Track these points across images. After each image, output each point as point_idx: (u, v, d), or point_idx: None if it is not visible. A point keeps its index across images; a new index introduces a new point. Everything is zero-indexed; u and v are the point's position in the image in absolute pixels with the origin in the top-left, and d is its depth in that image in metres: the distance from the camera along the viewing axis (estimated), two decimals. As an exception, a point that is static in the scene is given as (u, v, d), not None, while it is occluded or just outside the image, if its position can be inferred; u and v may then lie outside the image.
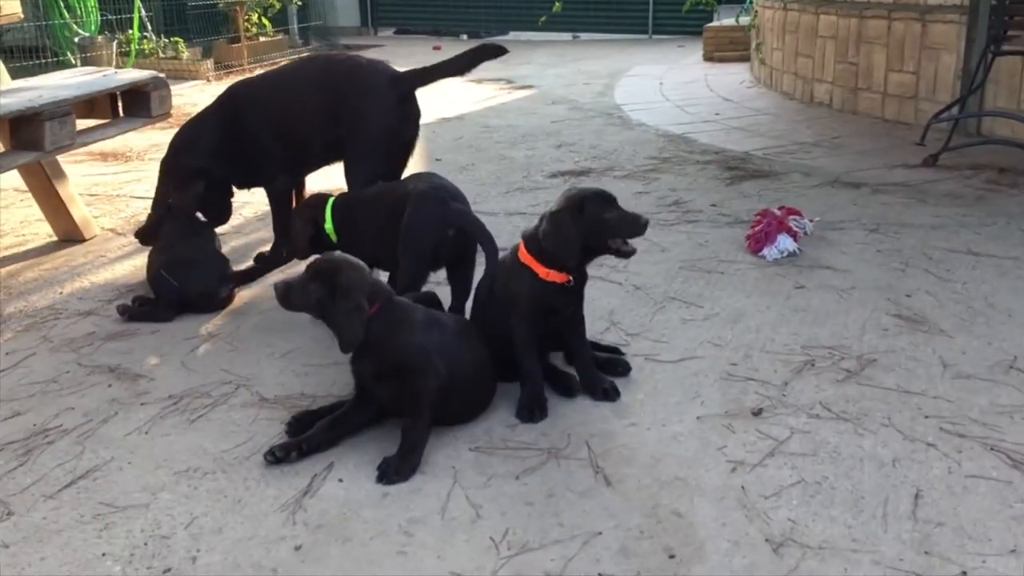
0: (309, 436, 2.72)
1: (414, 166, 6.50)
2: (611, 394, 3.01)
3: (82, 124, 4.61)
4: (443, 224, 3.27)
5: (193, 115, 4.13)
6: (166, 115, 4.64)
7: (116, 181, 6.05)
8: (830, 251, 4.34)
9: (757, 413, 2.93)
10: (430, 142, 7.34)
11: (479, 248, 3.30)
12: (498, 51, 3.98)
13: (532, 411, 2.92)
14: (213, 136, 3.96)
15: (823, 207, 5.02)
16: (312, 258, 2.92)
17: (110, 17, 10.69)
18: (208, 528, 2.42)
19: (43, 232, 4.88)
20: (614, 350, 3.32)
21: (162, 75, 4.59)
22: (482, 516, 2.45)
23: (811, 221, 4.56)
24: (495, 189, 5.69)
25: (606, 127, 7.79)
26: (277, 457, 2.66)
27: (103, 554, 2.32)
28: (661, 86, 10.06)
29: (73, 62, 10.13)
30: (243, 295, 3.99)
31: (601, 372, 3.12)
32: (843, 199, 5.20)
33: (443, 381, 2.69)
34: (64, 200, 4.70)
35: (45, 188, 4.68)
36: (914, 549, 2.29)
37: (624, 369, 3.20)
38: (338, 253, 2.83)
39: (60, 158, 4.49)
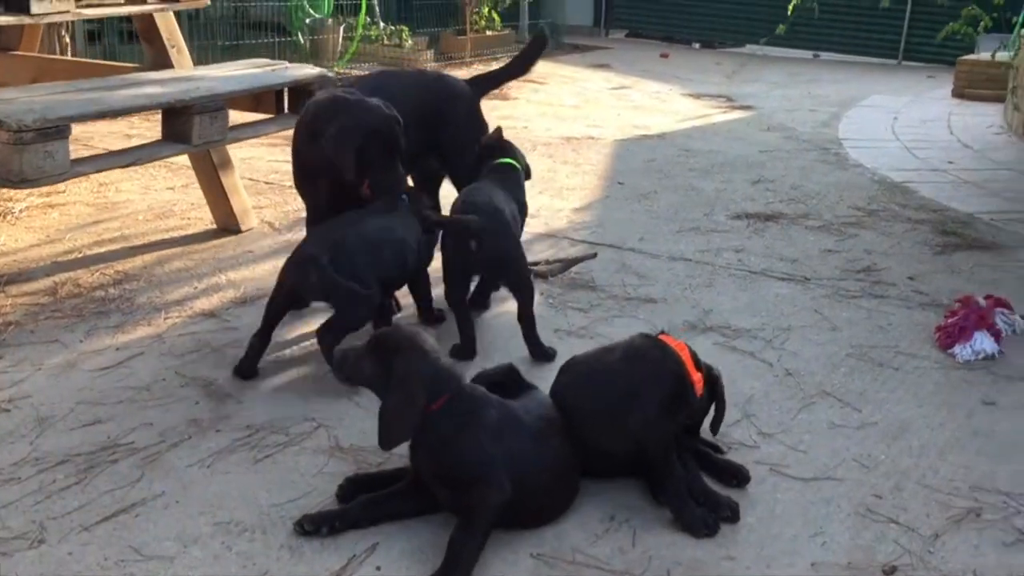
0: (345, 512, 2.45)
1: (595, 183, 6.21)
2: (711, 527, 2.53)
3: (249, 117, 4.61)
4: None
5: None
6: (332, 116, 4.51)
7: (296, 170, 6.07)
8: (1039, 360, 3.62)
9: (889, 573, 2.39)
10: (620, 160, 6.96)
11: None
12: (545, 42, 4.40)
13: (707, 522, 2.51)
14: None
15: (1045, 299, 4.25)
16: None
17: (342, 2, 10.96)
18: (221, 601, 2.21)
19: (207, 218, 4.91)
20: (714, 448, 2.84)
21: (331, 74, 4.48)
22: (517, 649, 2.10)
23: (1022, 318, 3.84)
24: (668, 226, 5.24)
25: (817, 164, 7.11)
26: (306, 530, 2.41)
27: (104, 612, 2.16)
28: (894, 121, 9.15)
29: (301, 41, 10.47)
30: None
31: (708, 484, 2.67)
32: (1073, 292, 4.39)
33: (507, 497, 2.34)
34: (226, 189, 4.70)
35: (209, 175, 4.70)
36: None
37: (741, 480, 2.73)
38: (409, 326, 2.53)
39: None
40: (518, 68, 4.32)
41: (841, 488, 2.75)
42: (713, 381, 2.73)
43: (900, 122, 9.13)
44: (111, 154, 3.72)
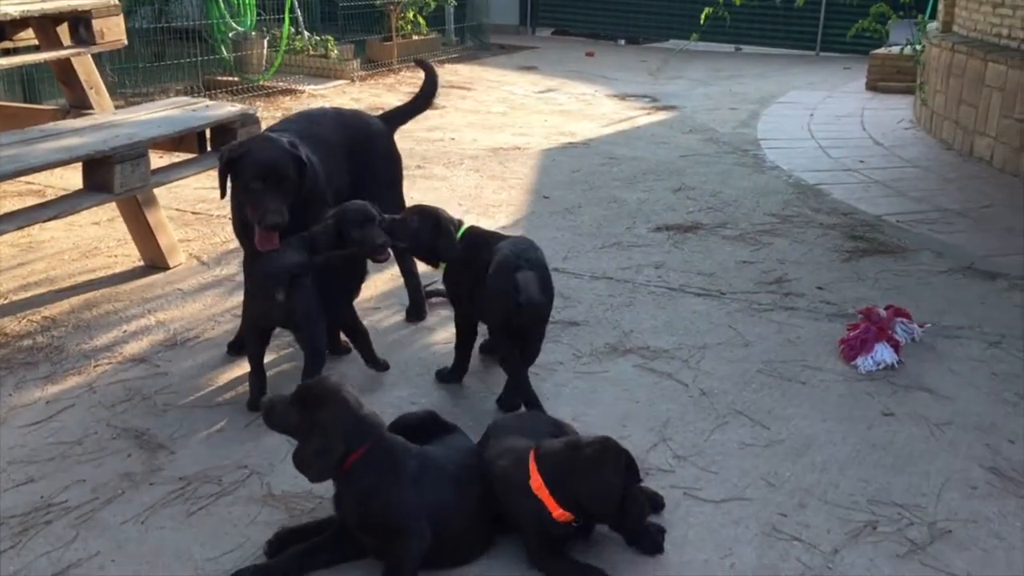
0: (276, 565, 2.56)
1: (521, 198, 6.34)
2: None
3: (175, 157, 4.66)
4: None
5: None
6: (254, 152, 4.57)
7: (223, 197, 6.09)
8: (935, 368, 3.84)
9: (791, 589, 2.57)
10: (546, 172, 7.10)
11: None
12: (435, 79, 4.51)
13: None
14: None
15: (944, 304, 4.49)
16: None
17: (265, 16, 10.92)
18: (159, 661, 2.30)
19: (134, 254, 4.93)
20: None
21: (252, 111, 4.53)
22: None
23: (921, 327, 4.07)
24: (591, 242, 5.39)
25: (735, 168, 7.34)
26: (238, 586, 2.51)
27: None
28: (811, 118, 9.46)
29: (225, 55, 10.41)
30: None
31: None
32: (971, 295, 4.64)
33: (428, 545, 2.47)
34: (151, 226, 4.73)
35: (134, 213, 4.72)
36: None
37: (656, 507, 2.89)
38: (335, 379, 2.64)
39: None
40: (422, 103, 4.45)
41: (750, 508, 2.92)
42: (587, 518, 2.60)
43: (816, 119, 9.43)
44: (32, 209, 3.75)
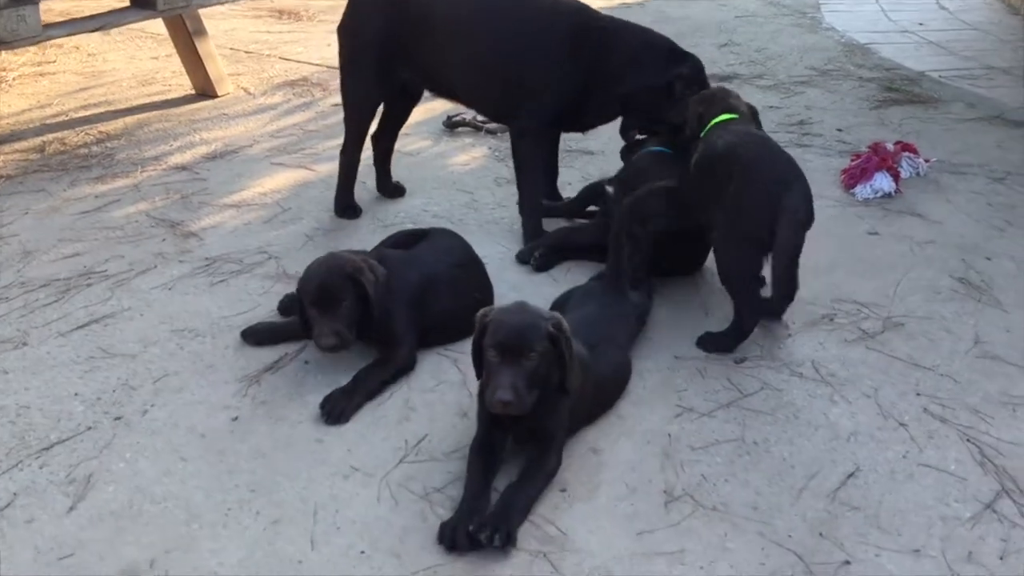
0: (281, 326, 2.91)
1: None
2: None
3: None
4: None
5: None
6: (294, -17, 4.79)
7: (276, 40, 6.35)
8: (933, 198, 3.95)
9: (739, 362, 2.81)
10: (594, 28, 7.14)
11: None
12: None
13: None
14: None
15: (960, 146, 4.54)
16: None
17: None
18: (172, 386, 2.66)
19: (187, 84, 5.24)
20: None
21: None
22: (410, 419, 2.55)
23: (927, 162, 4.15)
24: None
25: (789, 28, 7.27)
26: (247, 341, 2.86)
27: (75, 393, 2.62)
28: (879, -17, 9.19)
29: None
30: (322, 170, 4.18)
31: None
32: (989, 139, 4.66)
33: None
34: (201, 56, 5.01)
35: (186, 42, 5.00)
36: (810, 529, 2.18)
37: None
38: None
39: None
40: None
41: (713, 300, 3.13)
42: None
43: (884, -17, 9.17)
44: (81, 19, 4.06)
